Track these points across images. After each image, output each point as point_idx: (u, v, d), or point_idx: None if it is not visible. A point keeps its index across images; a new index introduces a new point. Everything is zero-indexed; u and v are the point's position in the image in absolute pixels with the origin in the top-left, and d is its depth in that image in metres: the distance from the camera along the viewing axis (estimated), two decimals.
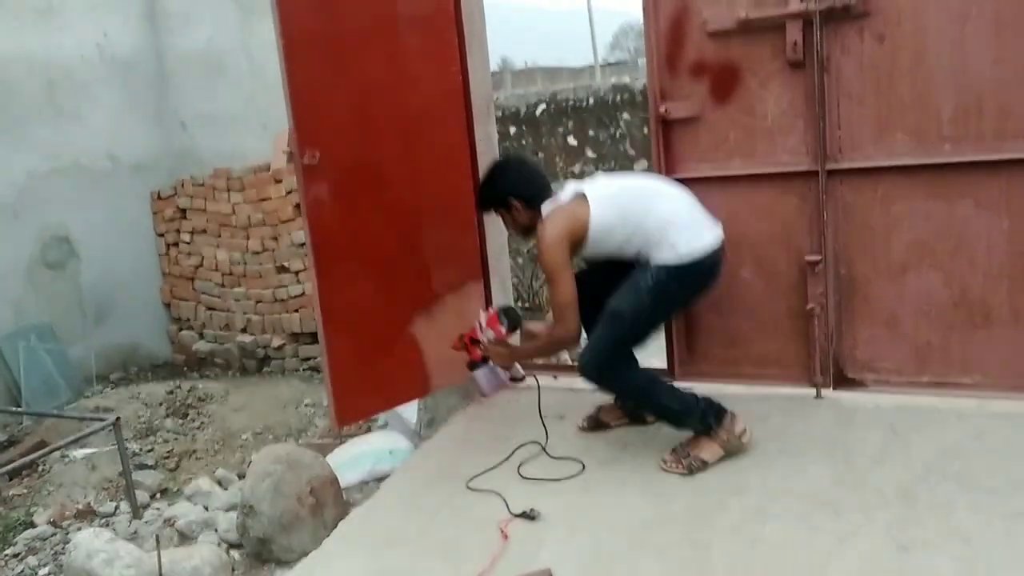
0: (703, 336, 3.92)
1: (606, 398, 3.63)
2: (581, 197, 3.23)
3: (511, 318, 3.45)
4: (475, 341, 3.48)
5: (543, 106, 9.19)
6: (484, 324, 3.45)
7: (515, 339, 3.53)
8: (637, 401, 3.46)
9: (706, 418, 3.22)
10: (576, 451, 3.45)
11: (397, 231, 3.75)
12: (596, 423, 3.67)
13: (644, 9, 3.72)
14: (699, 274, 3.23)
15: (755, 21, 3.52)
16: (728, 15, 3.57)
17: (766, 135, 3.64)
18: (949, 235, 3.43)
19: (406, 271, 3.81)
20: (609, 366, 3.24)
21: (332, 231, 3.49)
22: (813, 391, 3.69)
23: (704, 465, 3.20)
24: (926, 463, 3.07)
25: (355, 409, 3.76)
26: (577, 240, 3.21)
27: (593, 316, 3.30)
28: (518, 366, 3.48)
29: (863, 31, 3.40)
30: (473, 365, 3.57)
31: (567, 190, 3.31)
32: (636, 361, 3.39)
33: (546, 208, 3.29)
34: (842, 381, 3.69)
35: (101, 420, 4.86)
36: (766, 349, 3.76)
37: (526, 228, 3.39)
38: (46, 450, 4.83)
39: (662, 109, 3.74)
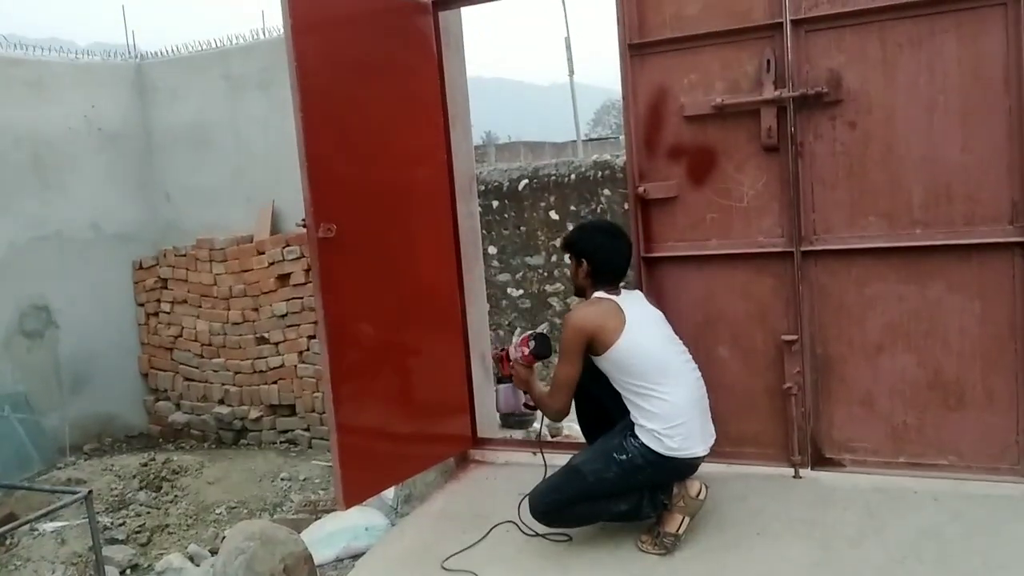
0: None
1: None
2: (624, 320, 3.22)
3: (539, 345, 3.49)
4: (509, 358, 3.59)
5: (525, 181, 9.31)
6: (516, 342, 3.55)
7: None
8: (589, 524, 3.38)
9: (655, 499, 3.24)
10: (555, 530, 3.42)
11: (400, 304, 3.79)
12: None
13: (624, 94, 3.82)
14: (675, 470, 3.23)
15: (731, 107, 3.62)
16: (705, 101, 3.67)
17: (742, 216, 3.71)
18: (922, 317, 3.48)
19: (407, 344, 3.85)
20: (557, 514, 3.27)
21: (345, 304, 3.48)
22: (791, 471, 3.70)
23: (675, 539, 3.18)
24: (903, 546, 3.06)
25: (362, 488, 3.68)
26: (594, 344, 3.23)
27: (590, 413, 3.49)
28: (528, 398, 3.59)
29: (835, 118, 3.50)
30: (500, 379, 3.69)
31: (628, 297, 3.36)
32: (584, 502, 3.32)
33: (599, 294, 3.34)
34: (820, 461, 3.70)
35: (72, 493, 4.77)
36: (744, 428, 3.77)
37: (578, 288, 3.48)
38: (15, 524, 4.73)
39: (641, 189, 3.81)
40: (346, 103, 3.51)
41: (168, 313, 7.81)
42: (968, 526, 3.15)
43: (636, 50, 3.77)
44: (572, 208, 9.02)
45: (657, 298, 3.83)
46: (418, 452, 3.95)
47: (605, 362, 3.25)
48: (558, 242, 9.74)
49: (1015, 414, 3.39)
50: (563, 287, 9.57)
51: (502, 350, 3.66)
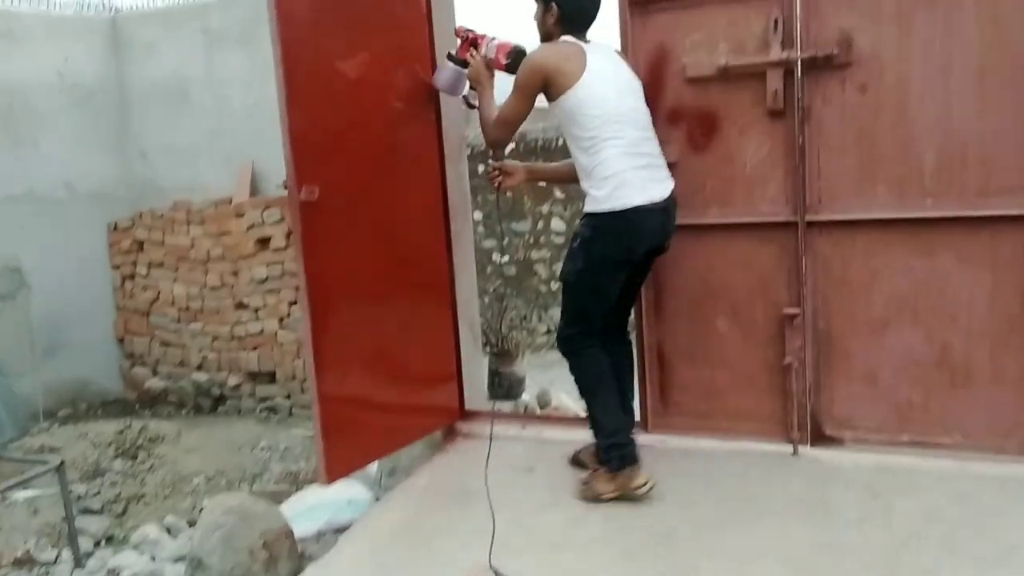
0: (677, 388, 3.80)
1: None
2: (584, 65, 3.14)
3: (515, 61, 3.38)
4: (475, 46, 3.47)
5: (512, 145, 9.13)
6: (495, 44, 3.44)
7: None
8: (579, 392, 3.45)
9: (608, 453, 3.26)
10: (546, 504, 3.31)
11: (386, 271, 3.65)
12: (575, 459, 3.66)
13: (622, 53, 3.65)
14: (626, 231, 3.17)
15: (735, 69, 3.47)
16: (708, 62, 3.51)
17: (744, 184, 3.56)
18: (930, 291, 3.36)
19: (392, 312, 3.70)
20: (568, 337, 3.35)
21: (328, 270, 3.34)
22: (790, 448, 3.59)
23: (596, 497, 3.26)
24: (908, 528, 2.97)
25: (346, 462, 3.56)
26: (550, 87, 3.17)
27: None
28: (473, 96, 3.54)
29: (845, 81, 3.35)
30: (452, 59, 3.56)
31: (597, 48, 3.26)
32: (603, 359, 3.36)
33: (565, 39, 3.25)
34: (820, 438, 3.59)
35: (44, 463, 4.62)
36: (742, 403, 3.66)
37: (544, 35, 3.35)
38: None
39: None
40: (330, 57, 3.33)
41: (144, 276, 7.60)
42: (975, 508, 3.06)
43: (638, 6, 3.60)
44: None
45: (653, 269, 3.69)
46: (404, 424, 3.84)
47: (559, 109, 3.21)
48: (544, 207, 9.61)
49: None
50: (549, 254, 9.44)
51: (468, 31, 3.54)
